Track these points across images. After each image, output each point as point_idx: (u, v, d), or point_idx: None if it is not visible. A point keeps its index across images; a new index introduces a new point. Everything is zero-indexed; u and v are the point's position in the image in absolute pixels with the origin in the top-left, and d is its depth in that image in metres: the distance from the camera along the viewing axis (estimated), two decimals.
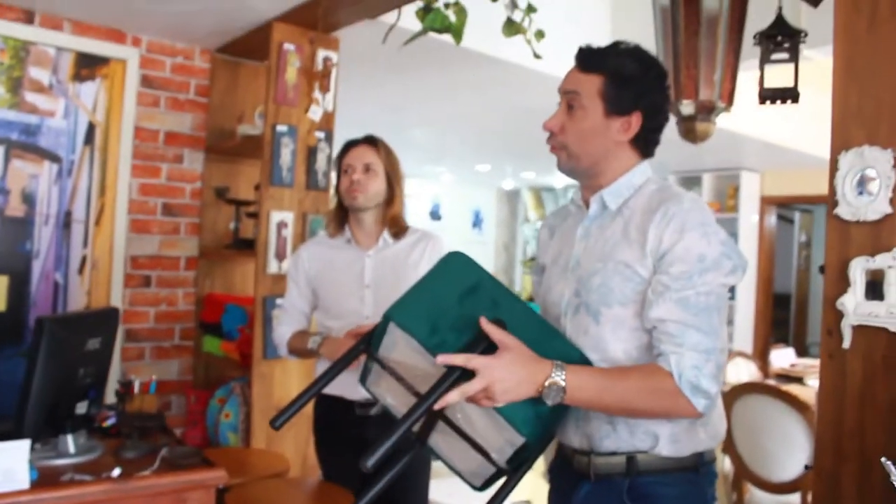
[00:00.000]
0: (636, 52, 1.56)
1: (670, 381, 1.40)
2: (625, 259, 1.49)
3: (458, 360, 1.35)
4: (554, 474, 1.72)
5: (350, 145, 2.54)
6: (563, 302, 1.59)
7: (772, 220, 7.70)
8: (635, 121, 1.55)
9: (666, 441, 1.50)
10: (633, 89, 1.53)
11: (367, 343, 1.61)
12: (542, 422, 1.43)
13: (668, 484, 1.50)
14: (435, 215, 10.17)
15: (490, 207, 10.91)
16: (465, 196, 10.49)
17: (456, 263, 1.56)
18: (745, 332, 7.43)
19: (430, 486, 2.59)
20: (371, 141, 2.52)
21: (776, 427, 3.56)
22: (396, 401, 1.64)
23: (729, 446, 3.79)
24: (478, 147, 7.40)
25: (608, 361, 1.51)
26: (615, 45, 1.57)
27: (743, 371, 5.16)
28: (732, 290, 7.26)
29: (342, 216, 2.54)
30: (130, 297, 3.64)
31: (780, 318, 8.86)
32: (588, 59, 1.56)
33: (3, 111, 3.30)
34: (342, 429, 2.44)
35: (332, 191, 2.84)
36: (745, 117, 4.92)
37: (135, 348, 3.66)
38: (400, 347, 1.51)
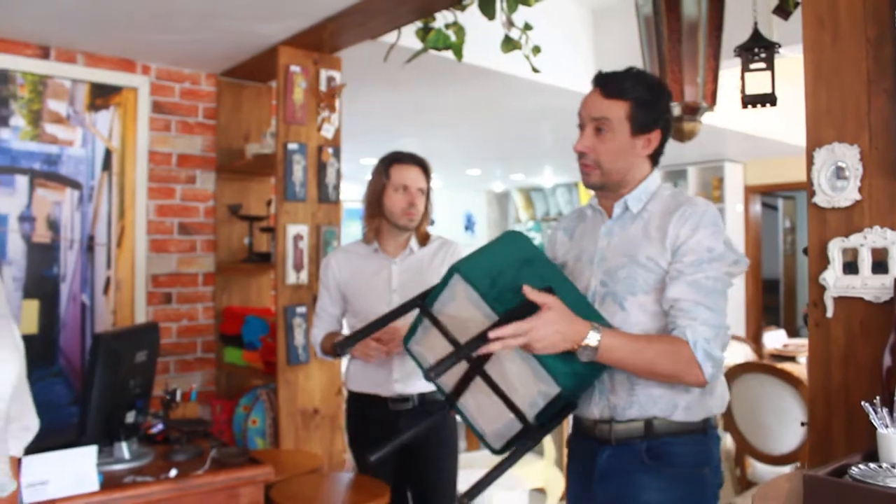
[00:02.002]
0: (648, 79, 1.82)
1: (687, 349, 1.63)
2: (647, 254, 1.74)
3: (508, 330, 1.55)
4: (573, 445, 1.93)
5: (404, 161, 2.66)
6: (590, 292, 1.82)
7: (756, 208, 7.94)
8: (655, 137, 1.81)
9: (682, 408, 1.74)
10: (653, 112, 1.79)
11: (423, 298, 1.81)
12: (577, 377, 1.64)
13: (681, 444, 1.74)
14: None
15: (481, 210, 11.12)
16: (456, 200, 10.69)
17: (518, 238, 1.81)
18: (737, 318, 7.64)
19: (458, 477, 2.77)
20: (423, 164, 2.67)
21: (773, 403, 3.77)
22: (434, 356, 1.82)
23: (730, 424, 3.99)
24: (468, 152, 7.58)
25: None
26: (632, 74, 1.80)
27: (738, 353, 5.36)
28: None
29: (379, 225, 2.68)
30: (153, 314, 3.82)
31: (771, 303, 9.10)
32: (612, 87, 1.78)
33: (25, 143, 3.47)
34: (377, 424, 2.62)
35: (342, 196, 3.00)
36: (726, 112, 5.13)
37: (160, 362, 3.82)
38: (458, 300, 1.71)
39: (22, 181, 3.46)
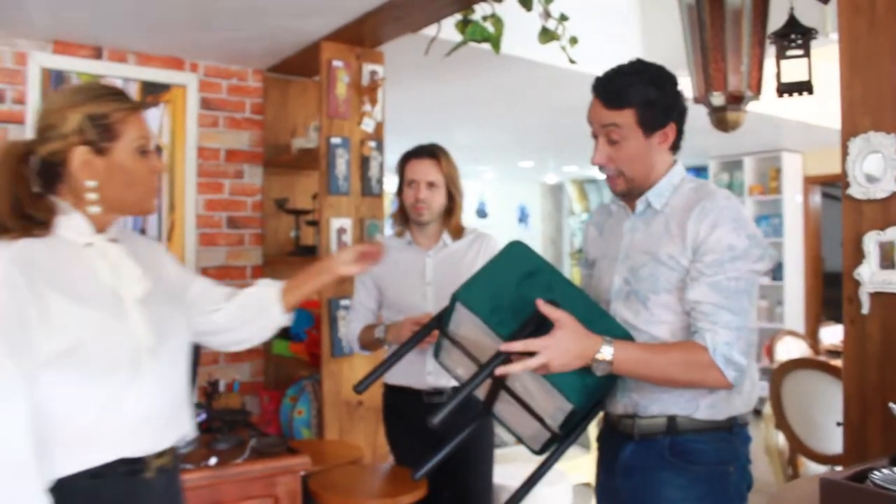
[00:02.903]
0: (648, 74, 1.72)
1: (705, 355, 1.59)
2: (669, 252, 1.69)
3: (518, 346, 1.55)
4: (602, 440, 1.92)
5: (414, 156, 2.67)
6: (614, 289, 1.79)
7: (816, 199, 7.71)
8: (670, 130, 1.75)
9: (705, 406, 1.70)
10: (661, 109, 1.72)
11: (439, 320, 1.82)
12: (588, 391, 1.62)
13: (704, 441, 1.70)
14: (481, 213, 10.35)
15: (535, 202, 11.05)
16: (509, 193, 10.65)
17: (516, 251, 1.76)
18: (796, 312, 7.45)
19: (494, 470, 2.78)
20: (433, 155, 2.65)
21: (826, 400, 3.66)
22: (464, 372, 1.86)
23: (781, 422, 3.89)
24: (520, 144, 7.55)
25: (655, 341, 1.71)
26: (630, 73, 1.72)
27: (793, 349, 5.23)
28: (780, 271, 7.30)
29: (405, 219, 2.72)
30: None
31: (833, 297, 8.83)
32: (613, 98, 1.71)
33: None
34: (411, 416, 2.63)
35: (388, 193, 3.02)
36: (784, 101, 4.99)
37: (210, 353, 3.91)
38: (466, 324, 1.72)
39: None
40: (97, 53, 3.62)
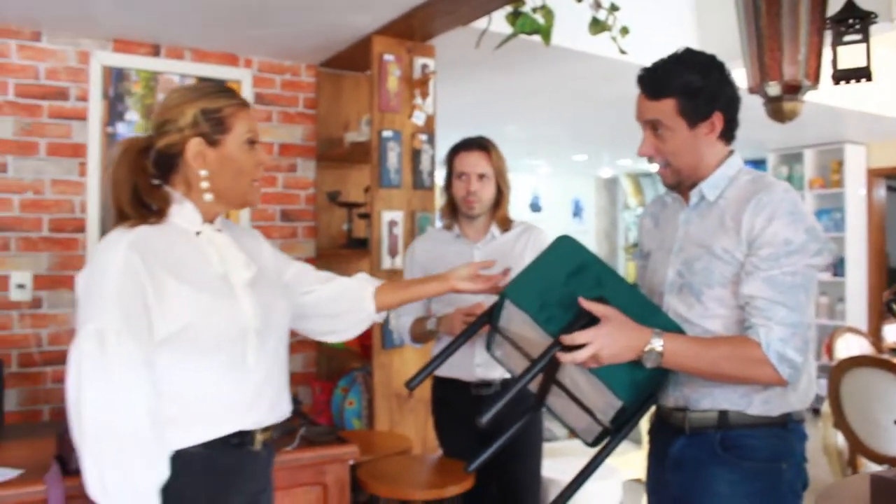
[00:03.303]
0: (692, 62, 1.69)
1: (758, 351, 1.56)
2: (723, 245, 1.66)
3: (566, 339, 1.55)
4: (653, 434, 1.89)
5: (463, 148, 2.67)
6: (667, 282, 1.77)
7: (881, 192, 7.47)
8: (717, 120, 1.71)
9: (759, 402, 1.66)
10: (704, 97, 1.68)
11: (489, 315, 1.83)
12: (638, 388, 1.60)
13: (757, 437, 1.67)
14: (535, 207, 10.30)
15: (589, 196, 10.95)
16: (563, 186, 10.57)
17: (564, 246, 1.76)
18: (858, 309, 7.23)
19: (544, 463, 2.76)
20: (483, 147, 2.64)
21: (888, 399, 3.56)
22: (516, 365, 1.86)
23: (840, 421, 3.79)
24: (573, 137, 7.49)
25: (709, 335, 1.68)
26: (672, 63, 1.70)
27: (854, 347, 5.09)
28: (841, 266, 7.10)
29: (454, 212, 2.72)
30: None
31: None
32: (654, 88, 1.70)
33: (139, 135, 3.67)
34: (460, 408, 2.64)
35: (440, 186, 3.02)
36: (845, 90, 4.86)
37: None
38: (515, 321, 1.72)
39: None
40: (155, 51, 3.72)
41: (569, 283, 1.67)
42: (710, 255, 1.68)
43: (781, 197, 1.62)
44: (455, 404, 2.68)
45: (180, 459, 1.53)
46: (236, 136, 1.64)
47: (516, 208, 2.76)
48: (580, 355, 1.53)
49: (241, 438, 1.63)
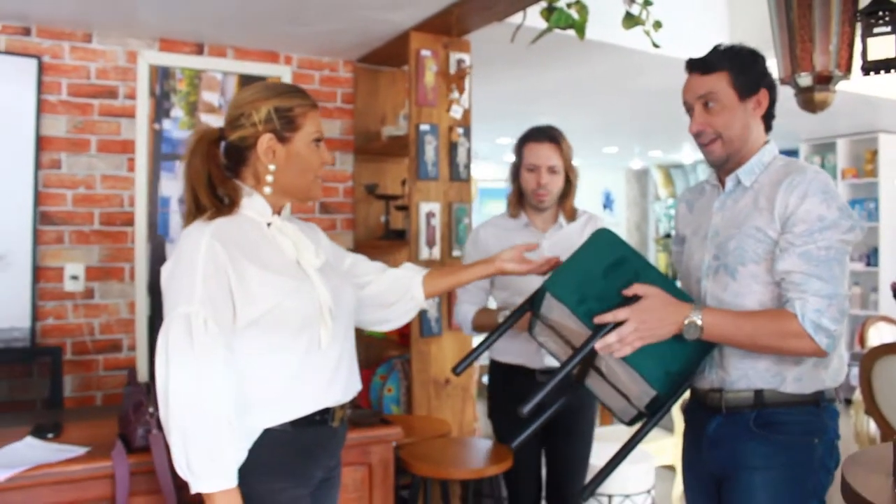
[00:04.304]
0: (739, 48, 1.82)
1: (795, 323, 1.63)
2: (756, 224, 1.74)
3: (607, 317, 1.65)
4: (688, 414, 1.97)
5: (533, 139, 2.64)
6: (704, 266, 1.85)
7: None
8: (763, 97, 1.81)
9: (791, 380, 1.74)
10: (754, 72, 1.79)
11: (531, 303, 1.91)
12: (671, 380, 1.69)
13: (790, 413, 1.75)
14: None
15: (620, 188, 10.96)
16: (594, 178, 10.58)
17: (603, 239, 1.84)
18: (891, 298, 7.17)
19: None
20: (554, 139, 2.64)
21: None
22: (557, 349, 1.94)
23: (872, 408, 3.81)
24: (604, 130, 7.51)
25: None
26: (721, 48, 1.82)
27: (887, 336, 5.09)
28: (875, 256, 7.07)
29: (521, 201, 2.73)
30: None
31: None
32: (706, 64, 1.80)
33: (184, 132, 3.80)
34: (523, 395, 2.70)
35: (475, 178, 3.07)
36: (880, 80, 4.84)
37: None
38: (556, 311, 1.81)
39: (182, 167, 3.80)
40: (199, 49, 3.84)
41: (607, 277, 1.75)
42: (742, 234, 1.76)
43: (813, 177, 1.70)
44: (519, 390, 2.74)
45: (269, 436, 1.65)
46: (305, 134, 1.73)
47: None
48: (623, 330, 1.62)
49: (323, 416, 1.73)
